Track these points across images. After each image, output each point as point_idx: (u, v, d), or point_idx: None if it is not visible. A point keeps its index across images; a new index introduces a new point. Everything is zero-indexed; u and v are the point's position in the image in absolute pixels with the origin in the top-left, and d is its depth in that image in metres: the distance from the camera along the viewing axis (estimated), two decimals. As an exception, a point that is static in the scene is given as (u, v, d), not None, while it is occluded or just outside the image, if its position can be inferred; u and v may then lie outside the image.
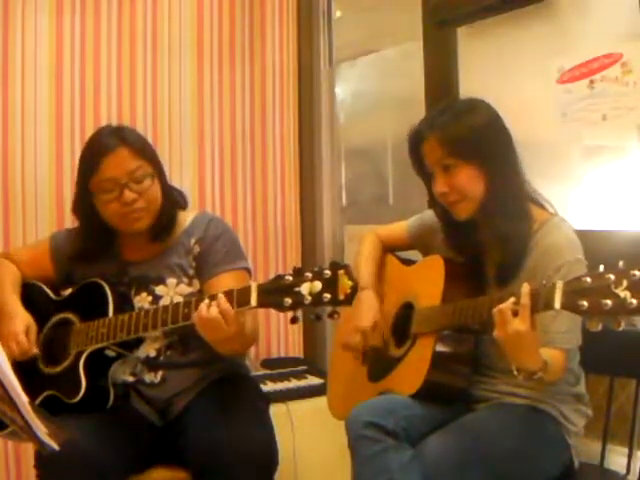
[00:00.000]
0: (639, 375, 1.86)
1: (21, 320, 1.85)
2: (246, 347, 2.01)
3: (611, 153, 2.13)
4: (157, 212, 1.90)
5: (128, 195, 1.83)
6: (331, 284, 1.51)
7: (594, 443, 1.92)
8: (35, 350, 1.85)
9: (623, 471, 1.85)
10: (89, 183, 1.87)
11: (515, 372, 1.54)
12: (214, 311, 1.60)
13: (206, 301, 1.63)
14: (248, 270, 1.98)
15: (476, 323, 1.69)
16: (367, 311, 1.94)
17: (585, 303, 1.30)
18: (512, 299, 1.47)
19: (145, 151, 1.89)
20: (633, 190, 2.07)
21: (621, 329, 1.27)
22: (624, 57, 2.06)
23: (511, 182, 1.75)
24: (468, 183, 1.74)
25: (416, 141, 1.82)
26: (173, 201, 1.97)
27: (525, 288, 1.44)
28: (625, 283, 1.25)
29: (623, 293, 1.25)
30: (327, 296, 1.50)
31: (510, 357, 1.52)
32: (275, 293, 1.55)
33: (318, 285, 1.51)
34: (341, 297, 1.51)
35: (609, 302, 1.26)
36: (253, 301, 1.58)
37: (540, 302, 1.41)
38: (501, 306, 1.47)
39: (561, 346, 1.63)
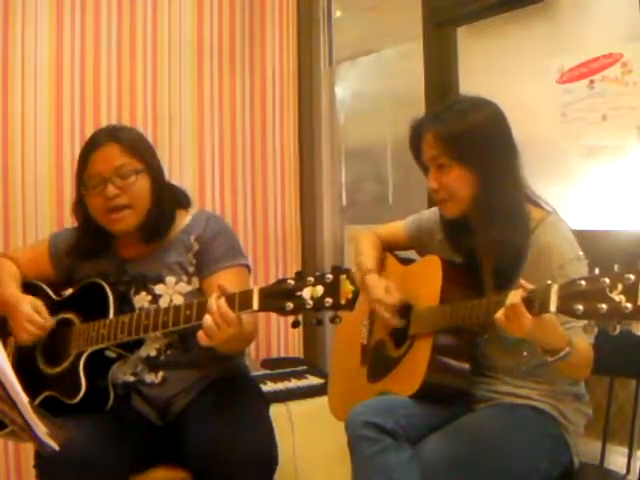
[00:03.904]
0: (639, 375, 1.87)
1: (27, 302, 1.87)
2: (245, 345, 2.01)
3: (611, 153, 2.13)
4: (144, 211, 1.89)
5: (110, 190, 1.84)
6: (333, 289, 1.50)
7: (594, 443, 1.92)
8: (51, 322, 1.86)
9: (623, 471, 1.85)
10: (81, 178, 1.89)
11: (543, 355, 1.51)
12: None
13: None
14: (248, 267, 1.98)
15: (474, 324, 1.69)
16: (375, 283, 1.93)
17: (580, 307, 1.30)
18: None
19: (135, 148, 1.88)
20: (633, 190, 2.07)
21: (617, 332, 1.27)
22: (624, 57, 2.06)
23: (506, 187, 1.74)
24: (458, 184, 1.75)
25: (417, 132, 1.83)
26: (169, 201, 1.95)
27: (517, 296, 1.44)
28: (620, 287, 1.24)
29: (618, 297, 1.24)
30: (329, 301, 1.50)
31: (536, 343, 1.51)
32: (277, 297, 1.55)
33: (320, 290, 1.51)
34: (343, 302, 1.50)
35: (604, 306, 1.26)
36: (255, 305, 1.58)
37: (535, 306, 1.41)
38: (513, 302, 1.44)
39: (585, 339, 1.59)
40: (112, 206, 1.85)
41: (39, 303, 1.87)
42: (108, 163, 1.84)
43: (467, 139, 1.73)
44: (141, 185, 1.88)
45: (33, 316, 1.83)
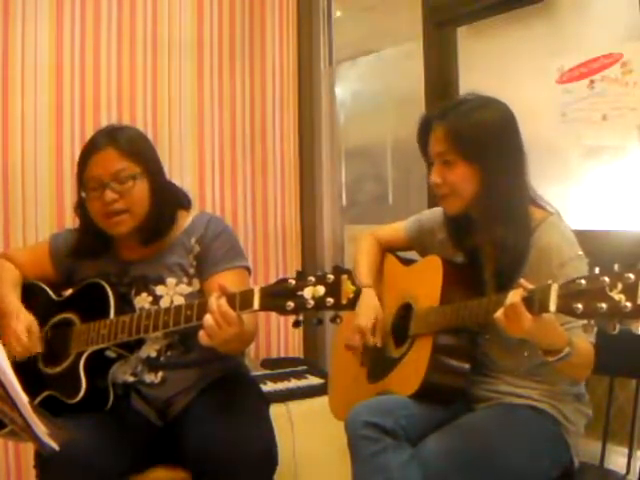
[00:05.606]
0: (639, 375, 1.87)
1: (23, 319, 1.86)
2: (246, 345, 2.01)
3: (611, 153, 2.13)
4: (143, 215, 1.89)
5: (108, 195, 1.84)
6: (334, 289, 1.50)
7: (594, 443, 1.92)
8: (38, 348, 1.85)
9: (623, 471, 1.85)
10: (81, 180, 1.89)
11: (544, 356, 1.51)
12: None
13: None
14: (248, 269, 1.98)
15: (474, 324, 1.69)
16: (366, 310, 1.94)
17: (580, 306, 1.30)
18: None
19: (134, 152, 1.88)
20: (633, 190, 2.07)
21: (616, 331, 1.27)
22: (624, 57, 2.06)
23: (510, 187, 1.73)
24: (462, 181, 1.74)
25: (425, 127, 1.83)
26: (169, 202, 1.95)
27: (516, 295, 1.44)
28: (620, 286, 1.24)
29: (618, 296, 1.24)
30: (330, 301, 1.50)
31: (537, 344, 1.50)
32: (278, 297, 1.54)
33: (321, 289, 1.50)
34: (344, 302, 1.50)
35: (604, 305, 1.26)
36: (256, 304, 1.58)
37: (535, 305, 1.41)
38: (513, 301, 1.44)
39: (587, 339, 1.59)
40: (110, 210, 1.86)
41: (34, 325, 1.86)
42: (106, 168, 1.84)
43: (475, 137, 1.72)
44: (139, 189, 1.87)
45: (24, 338, 1.82)
